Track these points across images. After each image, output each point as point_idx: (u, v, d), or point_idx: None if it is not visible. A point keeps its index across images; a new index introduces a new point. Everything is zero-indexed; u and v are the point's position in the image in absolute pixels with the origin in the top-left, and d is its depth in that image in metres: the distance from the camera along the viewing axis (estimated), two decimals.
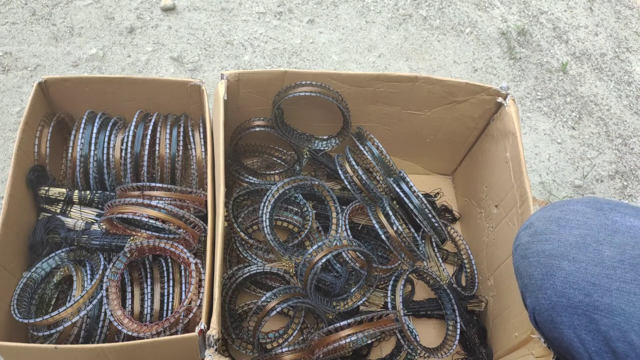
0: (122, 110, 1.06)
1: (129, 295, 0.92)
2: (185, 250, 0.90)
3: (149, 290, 0.93)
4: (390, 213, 0.99)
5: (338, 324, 0.87)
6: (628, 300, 0.54)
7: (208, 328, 0.76)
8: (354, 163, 1.04)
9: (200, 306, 0.85)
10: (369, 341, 0.92)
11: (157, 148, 0.99)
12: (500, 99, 1.02)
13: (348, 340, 0.85)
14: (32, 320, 0.84)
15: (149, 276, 0.94)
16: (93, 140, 0.98)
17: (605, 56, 1.65)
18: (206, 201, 0.93)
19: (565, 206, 0.63)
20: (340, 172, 1.05)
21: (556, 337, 0.59)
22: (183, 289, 0.93)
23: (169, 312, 0.92)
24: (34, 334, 0.87)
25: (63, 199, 0.98)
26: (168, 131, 0.99)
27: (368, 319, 0.88)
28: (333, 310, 0.95)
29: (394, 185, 1.02)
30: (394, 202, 1.06)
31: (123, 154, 0.98)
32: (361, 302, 0.98)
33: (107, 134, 1.00)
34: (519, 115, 0.99)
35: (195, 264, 0.89)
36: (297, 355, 0.89)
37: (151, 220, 0.89)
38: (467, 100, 1.05)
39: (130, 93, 1.04)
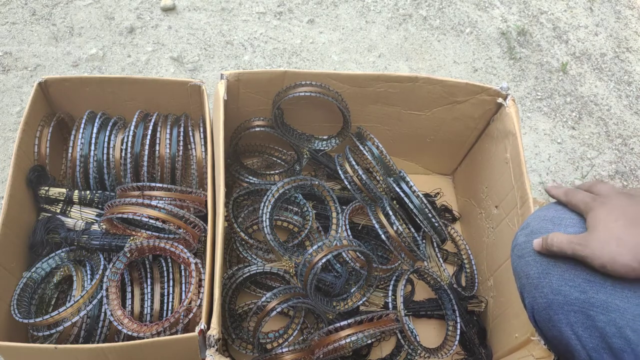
0: (122, 110, 1.06)
1: (129, 295, 0.92)
2: (185, 250, 0.90)
3: (149, 290, 0.93)
4: (390, 213, 0.99)
5: (338, 324, 0.86)
6: (622, 296, 0.54)
7: (208, 328, 0.76)
8: (354, 163, 1.04)
9: (200, 306, 0.85)
10: (369, 341, 0.92)
11: (157, 148, 0.99)
12: (500, 100, 1.02)
13: (348, 340, 0.85)
14: (32, 320, 0.84)
15: (149, 276, 0.94)
16: (93, 140, 0.98)
17: (605, 56, 1.65)
18: (206, 201, 0.93)
19: (560, 205, 0.64)
20: (340, 172, 1.05)
21: (555, 336, 0.59)
22: (183, 289, 0.93)
23: (169, 312, 0.92)
24: (34, 334, 0.87)
25: (63, 199, 0.98)
26: (168, 131, 0.99)
27: (368, 319, 0.88)
28: (333, 310, 0.95)
29: (394, 185, 1.02)
30: (394, 202, 1.07)
31: (123, 154, 0.98)
32: (361, 302, 0.98)
33: (107, 134, 1.00)
34: (519, 116, 0.99)
35: (195, 264, 0.89)
36: (297, 356, 0.89)
37: (151, 220, 0.89)
38: (467, 101, 1.05)
39: (130, 93, 1.04)
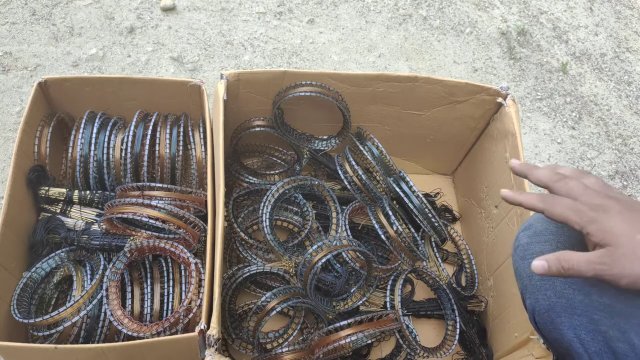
0: (122, 110, 1.06)
1: (129, 295, 0.92)
2: (185, 250, 0.90)
3: (149, 290, 0.93)
4: (390, 213, 0.99)
5: (338, 324, 0.87)
6: (627, 299, 0.54)
7: (208, 328, 0.76)
8: (353, 163, 1.04)
9: (200, 306, 0.85)
10: (369, 341, 0.92)
11: (157, 148, 0.99)
12: (500, 99, 1.02)
13: (348, 340, 0.85)
14: (32, 320, 0.84)
15: (149, 276, 0.94)
16: (93, 140, 0.98)
17: (605, 56, 1.65)
18: (206, 201, 0.93)
19: None
20: (340, 172, 1.05)
21: (556, 338, 0.59)
22: (183, 288, 0.93)
23: (169, 312, 0.92)
24: (34, 334, 0.87)
25: (63, 199, 0.98)
26: (168, 131, 0.99)
27: (368, 319, 0.88)
28: (333, 310, 0.95)
29: (394, 185, 1.02)
30: (394, 202, 1.07)
31: (123, 154, 0.98)
32: (361, 302, 0.98)
33: (107, 134, 1.00)
34: (519, 116, 0.98)
35: (195, 263, 0.89)
36: (297, 355, 0.89)
37: (151, 220, 0.89)
38: (467, 101, 1.05)
39: (130, 93, 1.04)
